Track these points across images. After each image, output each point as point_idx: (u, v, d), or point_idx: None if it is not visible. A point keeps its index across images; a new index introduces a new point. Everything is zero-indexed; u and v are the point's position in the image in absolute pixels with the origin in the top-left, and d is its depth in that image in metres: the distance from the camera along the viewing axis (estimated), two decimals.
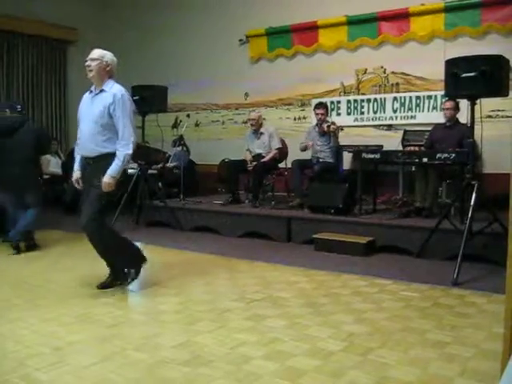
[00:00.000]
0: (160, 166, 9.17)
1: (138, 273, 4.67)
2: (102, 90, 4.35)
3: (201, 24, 10.01)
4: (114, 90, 4.32)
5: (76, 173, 4.55)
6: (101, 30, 10.97)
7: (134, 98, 7.60)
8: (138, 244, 6.65)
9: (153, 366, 2.92)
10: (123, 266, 4.64)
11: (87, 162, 4.44)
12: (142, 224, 7.93)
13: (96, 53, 4.40)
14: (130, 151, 4.28)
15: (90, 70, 4.34)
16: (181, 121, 10.11)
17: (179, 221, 7.64)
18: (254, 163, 7.55)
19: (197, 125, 10.26)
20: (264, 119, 8.12)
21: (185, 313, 3.90)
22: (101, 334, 3.45)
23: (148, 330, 3.54)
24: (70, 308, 4.01)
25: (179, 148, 8.76)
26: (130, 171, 8.59)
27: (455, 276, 4.60)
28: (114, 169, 4.23)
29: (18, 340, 3.33)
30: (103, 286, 4.51)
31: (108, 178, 4.22)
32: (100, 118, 4.27)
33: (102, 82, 4.36)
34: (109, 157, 4.28)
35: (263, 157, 7.68)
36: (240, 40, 9.56)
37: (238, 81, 9.56)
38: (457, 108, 6.50)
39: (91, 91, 4.45)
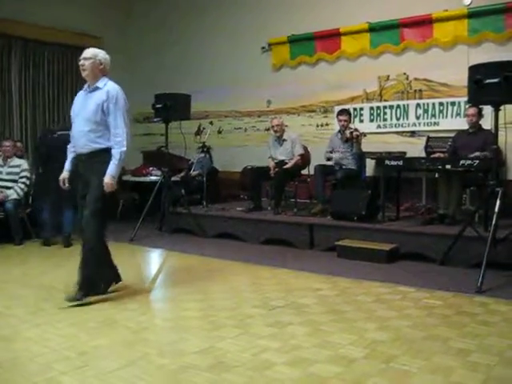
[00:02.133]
0: (183, 173, 9.23)
1: (105, 289, 4.50)
2: (96, 88, 4.39)
3: (223, 32, 10.06)
4: (108, 87, 4.37)
5: (65, 173, 4.59)
6: (124, 38, 11.13)
7: (158, 105, 7.71)
8: (160, 250, 6.75)
9: (176, 372, 2.95)
10: (97, 277, 4.43)
11: (80, 159, 4.45)
12: (165, 231, 7.99)
13: (89, 52, 4.45)
14: (125, 148, 4.29)
15: (84, 69, 4.39)
16: (204, 128, 10.16)
17: (202, 227, 7.68)
18: (277, 169, 7.56)
19: (219, 132, 10.30)
20: (286, 126, 8.14)
21: (207, 319, 3.92)
22: (125, 339, 3.49)
23: (171, 336, 3.57)
24: (95, 313, 4.07)
25: (202, 155, 8.82)
26: (152, 178, 8.78)
27: (479, 284, 4.56)
28: (112, 168, 4.26)
29: (45, 344, 3.40)
30: (70, 298, 4.25)
31: (108, 178, 4.24)
32: (94, 115, 4.30)
33: (96, 79, 4.40)
34: (102, 153, 4.31)
35: (286, 163, 7.69)
36: (262, 48, 9.58)
37: (260, 88, 9.57)
38: (479, 114, 6.46)
39: (85, 89, 4.48)
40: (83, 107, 4.40)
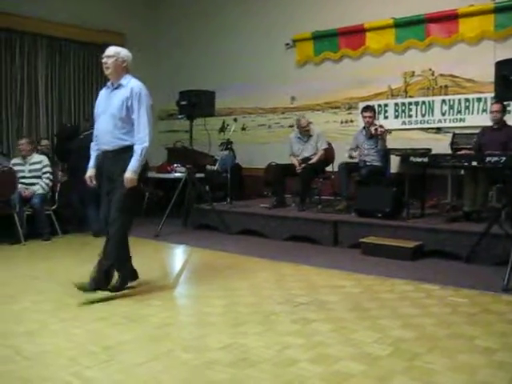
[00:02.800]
0: (209, 168, 9.27)
1: (122, 286, 4.50)
2: (119, 85, 4.42)
3: (247, 28, 10.07)
4: (132, 84, 4.39)
5: (90, 170, 4.61)
6: (147, 35, 11.19)
7: (182, 102, 7.75)
8: (184, 247, 6.79)
9: (200, 367, 2.97)
10: (113, 271, 4.49)
11: (106, 155, 4.47)
12: (189, 227, 8.04)
13: (111, 50, 4.46)
14: (147, 144, 4.31)
15: (107, 68, 4.42)
16: (228, 125, 10.16)
17: (226, 224, 7.70)
18: (303, 165, 7.55)
19: (243, 129, 10.30)
20: (311, 122, 8.12)
21: (231, 315, 3.94)
22: (149, 335, 3.53)
23: (195, 332, 3.59)
24: (119, 308, 4.11)
25: (226, 152, 8.84)
26: (177, 175, 8.82)
27: (505, 282, 4.50)
28: (133, 164, 4.28)
29: (70, 338, 3.45)
30: (115, 289, 4.43)
31: (129, 173, 4.27)
32: (118, 112, 4.33)
33: (119, 77, 4.43)
34: (127, 149, 4.34)
35: (311, 159, 7.68)
36: (286, 44, 9.57)
37: (284, 85, 9.56)
38: (504, 110, 6.38)
39: (108, 87, 4.52)
40: (108, 105, 4.44)
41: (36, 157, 7.59)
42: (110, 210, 4.40)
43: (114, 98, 4.40)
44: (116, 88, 4.45)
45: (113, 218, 4.35)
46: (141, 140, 4.31)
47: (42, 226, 7.25)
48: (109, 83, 4.53)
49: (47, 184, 7.46)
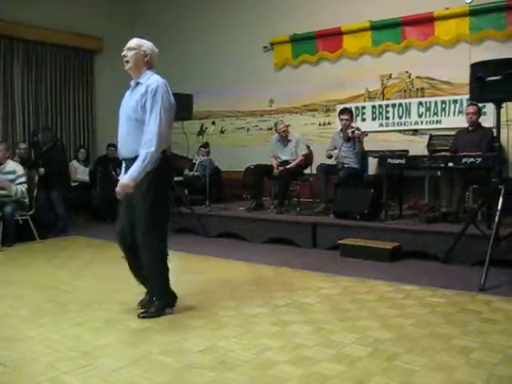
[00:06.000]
0: (185, 172, 9.24)
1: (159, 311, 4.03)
2: (138, 83, 3.94)
3: (224, 31, 10.08)
4: (150, 81, 3.88)
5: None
6: (125, 38, 11.03)
7: None
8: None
9: (179, 371, 2.95)
10: (160, 291, 4.10)
11: (126, 164, 3.95)
12: (168, 231, 7.97)
13: (133, 42, 4.02)
14: (153, 148, 3.71)
15: (127, 61, 3.95)
16: (206, 128, 10.16)
17: (205, 227, 7.68)
18: (281, 168, 7.57)
19: (222, 132, 10.31)
20: (289, 125, 8.13)
21: (210, 318, 3.92)
22: (128, 339, 3.50)
23: (174, 335, 3.57)
24: (98, 313, 4.07)
25: (205, 157, 8.82)
26: None
27: (482, 282, 4.55)
28: (134, 170, 3.74)
29: (48, 344, 3.40)
30: (144, 315, 3.99)
31: (127, 179, 3.76)
32: (134, 113, 3.82)
33: (139, 73, 3.96)
34: None
35: (290, 163, 7.69)
36: (264, 47, 9.60)
37: (262, 88, 9.59)
38: (479, 112, 6.47)
39: (130, 86, 4.03)
40: (126, 107, 3.95)
41: (10, 165, 7.25)
42: (128, 222, 3.95)
43: (132, 99, 3.90)
44: (135, 87, 3.96)
45: (141, 242, 3.94)
46: (147, 144, 3.72)
47: (10, 232, 7.02)
48: (131, 82, 4.02)
49: (22, 191, 7.13)
